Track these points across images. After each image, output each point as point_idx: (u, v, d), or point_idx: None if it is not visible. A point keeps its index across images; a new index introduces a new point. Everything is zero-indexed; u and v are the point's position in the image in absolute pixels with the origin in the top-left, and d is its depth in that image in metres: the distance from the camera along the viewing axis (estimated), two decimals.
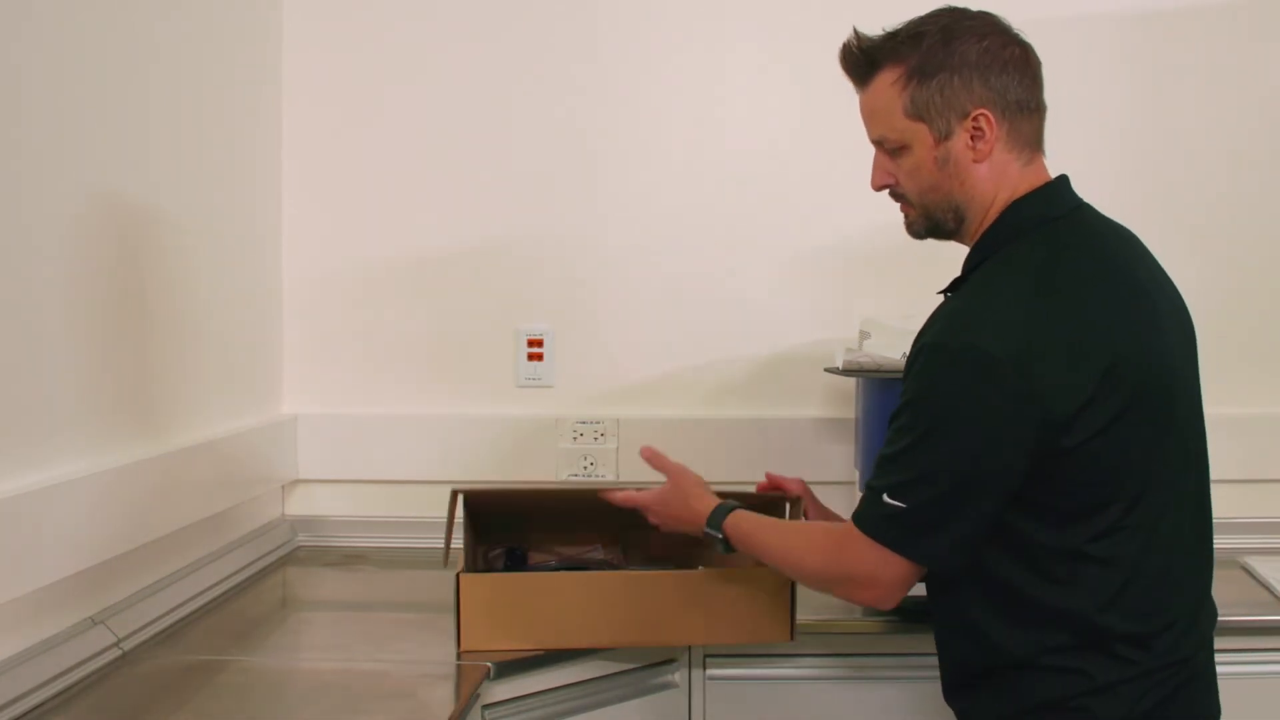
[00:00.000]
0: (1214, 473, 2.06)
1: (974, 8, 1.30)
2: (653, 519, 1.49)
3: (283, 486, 2.16)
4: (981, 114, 1.25)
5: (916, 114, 1.27)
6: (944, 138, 1.26)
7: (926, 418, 1.19)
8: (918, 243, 1.37)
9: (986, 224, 1.28)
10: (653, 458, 1.51)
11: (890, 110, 1.28)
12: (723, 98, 2.15)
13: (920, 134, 1.27)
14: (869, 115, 1.32)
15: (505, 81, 2.15)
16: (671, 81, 2.15)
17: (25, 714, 1.27)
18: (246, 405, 2.02)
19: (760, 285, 2.14)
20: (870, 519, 1.23)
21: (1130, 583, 1.18)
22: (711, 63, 2.15)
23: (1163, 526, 1.21)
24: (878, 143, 1.33)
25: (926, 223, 1.33)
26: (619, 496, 1.50)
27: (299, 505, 2.19)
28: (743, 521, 1.40)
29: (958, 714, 1.33)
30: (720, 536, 1.40)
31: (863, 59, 1.30)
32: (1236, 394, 2.13)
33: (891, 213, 1.36)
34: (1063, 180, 1.32)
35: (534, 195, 2.16)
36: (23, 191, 1.32)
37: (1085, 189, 2.09)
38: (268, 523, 2.09)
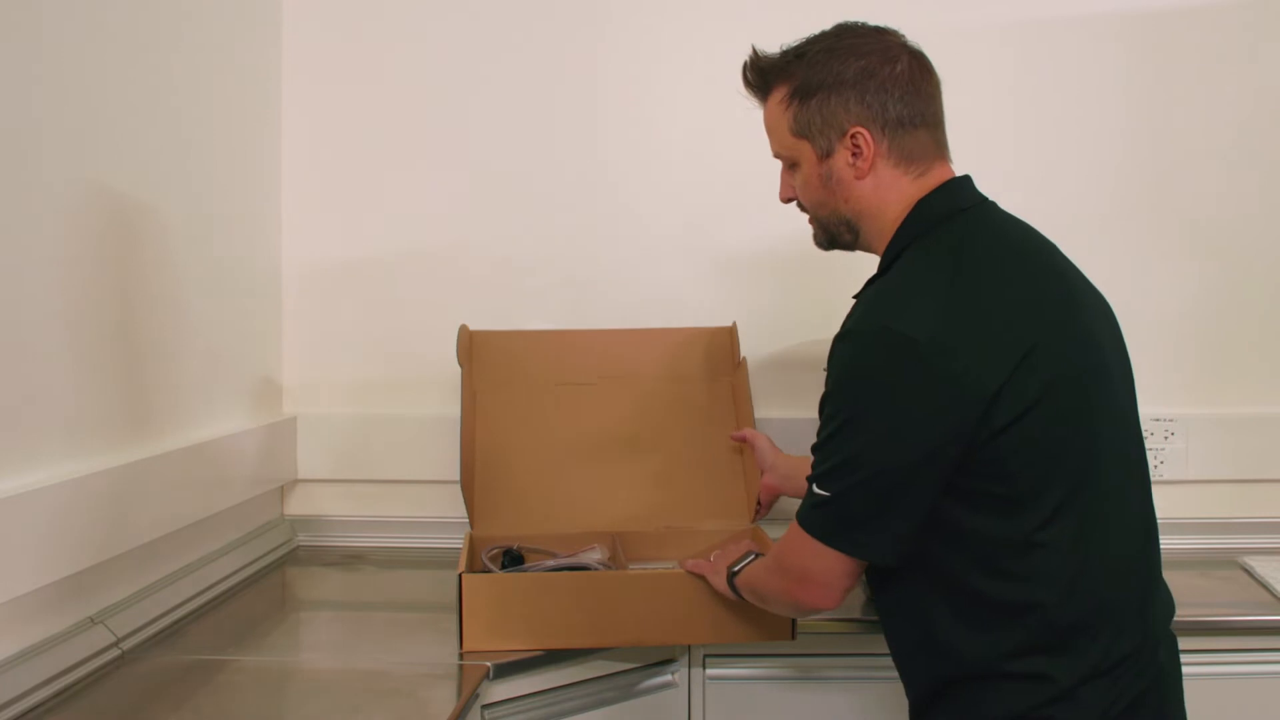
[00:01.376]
0: (1214, 473, 2.11)
1: (874, 23, 1.32)
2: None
3: (282, 486, 2.16)
4: (858, 132, 1.27)
5: (800, 132, 1.31)
6: (826, 155, 1.30)
7: (847, 404, 1.19)
8: None
9: (890, 230, 1.29)
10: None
11: (780, 128, 1.34)
12: (722, 99, 2.14)
13: (805, 151, 1.31)
14: (768, 131, 1.37)
15: (508, 81, 2.15)
16: (671, 84, 2.15)
17: (25, 714, 1.27)
18: (246, 405, 2.02)
19: (761, 285, 2.14)
20: (803, 511, 1.24)
21: (1083, 570, 1.16)
22: (712, 65, 2.15)
23: (1109, 511, 1.19)
24: (777, 157, 1.38)
25: (825, 235, 1.37)
26: (690, 565, 1.54)
27: (299, 505, 2.19)
28: (740, 577, 1.45)
29: None
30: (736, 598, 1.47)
31: (757, 77, 1.35)
32: (1236, 394, 2.13)
33: None
34: (966, 178, 1.32)
35: (534, 195, 2.16)
36: (18, 186, 1.32)
37: (1086, 188, 2.12)
38: (267, 523, 2.09)
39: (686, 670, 1.63)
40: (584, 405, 1.91)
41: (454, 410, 2.04)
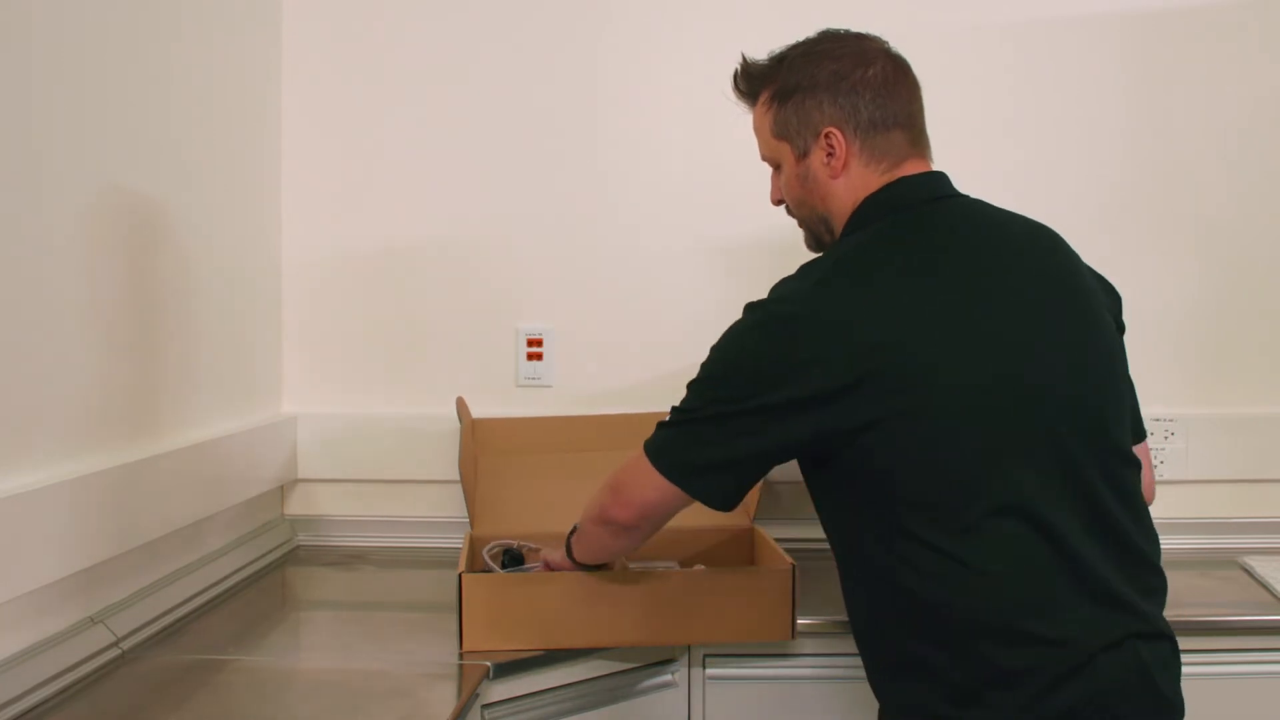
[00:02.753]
0: (1214, 473, 2.11)
1: (856, 30, 1.35)
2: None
3: (282, 486, 2.16)
4: (831, 132, 1.30)
5: (780, 134, 1.36)
6: (803, 155, 1.34)
7: (713, 360, 1.28)
8: None
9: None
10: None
11: (764, 130, 1.38)
12: (724, 101, 2.15)
13: (785, 152, 1.36)
14: (755, 135, 1.41)
15: (508, 79, 2.15)
16: (675, 83, 2.15)
17: (25, 713, 1.27)
18: (246, 405, 2.02)
19: (761, 284, 2.13)
20: (651, 435, 1.31)
21: (974, 574, 1.14)
22: (713, 66, 2.14)
23: (1025, 521, 1.15)
24: (764, 160, 1.42)
25: (811, 236, 1.41)
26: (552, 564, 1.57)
27: (299, 505, 2.19)
28: (575, 534, 1.49)
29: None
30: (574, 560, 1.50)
31: (746, 84, 1.40)
32: (1237, 394, 2.13)
33: None
34: (926, 176, 1.32)
35: (535, 194, 2.16)
36: (21, 187, 1.32)
37: (1086, 188, 2.12)
38: (267, 523, 2.09)
39: (686, 670, 1.63)
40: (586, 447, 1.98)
41: (454, 410, 2.05)
